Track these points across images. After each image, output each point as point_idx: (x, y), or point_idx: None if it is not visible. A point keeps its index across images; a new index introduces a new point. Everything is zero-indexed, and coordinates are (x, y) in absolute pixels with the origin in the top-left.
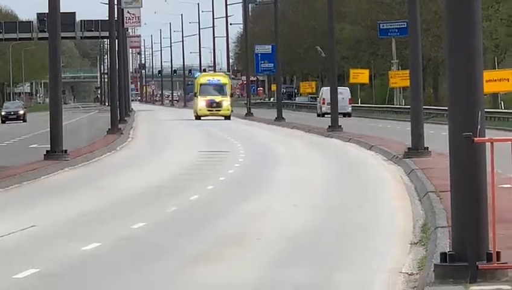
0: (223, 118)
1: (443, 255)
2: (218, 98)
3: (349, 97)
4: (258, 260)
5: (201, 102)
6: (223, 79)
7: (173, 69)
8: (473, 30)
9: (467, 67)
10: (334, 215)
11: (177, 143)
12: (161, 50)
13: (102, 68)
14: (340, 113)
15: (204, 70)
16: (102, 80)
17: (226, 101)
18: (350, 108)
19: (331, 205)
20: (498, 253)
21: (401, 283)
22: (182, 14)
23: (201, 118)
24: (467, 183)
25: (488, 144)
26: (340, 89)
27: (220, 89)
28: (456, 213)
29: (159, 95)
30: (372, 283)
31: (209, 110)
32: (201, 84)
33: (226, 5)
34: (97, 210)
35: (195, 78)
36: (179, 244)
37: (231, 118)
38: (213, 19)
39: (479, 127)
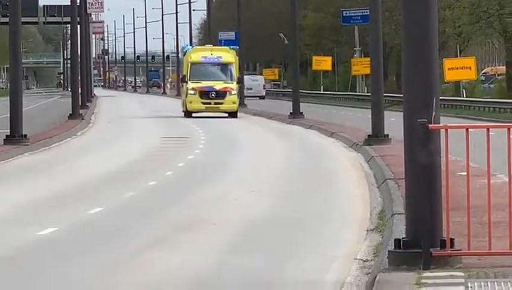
0: (225, 114)
1: (397, 242)
2: (219, 85)
3: (263, 84)
4: (213, 246)
5: (192, 91)
6: (227, 56)
7: (136, 55)
8: (428, 17)
9: (422, 54)
10: (292, 202)
11: (138, 129)
12: (124, 36)
13: (65, 54)
14: (256, 96)
15: (168, 58)
16: (66, 65)
17: (231, 90)
18: (264, 92)
19: (289, 191)
20: (452, 240)
21: (356, 269)
22: (145, 0)
23: (194, 114)
24: (422, 170)
25: (442, 131)
26: (255, 77)
27: (221, 70)
28: (410, 200)
29: (122, 81)
30: (327, 269)
31: (205, 104)
32: (192, 64)
33: None
34: (55, 195)
35: (185, 53)
36: (135, 229)
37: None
38: (176, 4)
39: (434, 113)
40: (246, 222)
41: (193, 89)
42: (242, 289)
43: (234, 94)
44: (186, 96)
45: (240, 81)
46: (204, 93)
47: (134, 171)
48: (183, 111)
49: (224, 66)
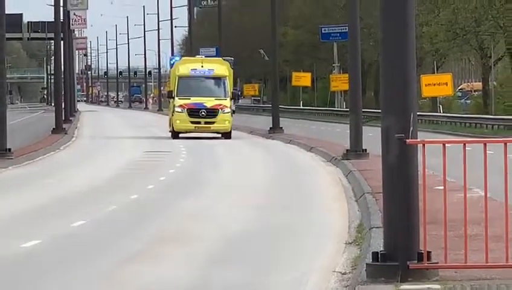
0: (218, 135)
1: (375, 255)
2: (210, 102)
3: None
4: (193, 260)
5: (179, 108)
6: (220, 68)
7: (119, 70)
8: (406, 34)
9: (399, 71)
10: (272, 216)
11: (120, 143)
12: (107, 52)
13: (49, 69)
14: None
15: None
16: (49, 80)
17: (224, 108)
18: (234, 107)
19: (269, 205)
20: (429, 253)
21: (334, 281)
22: (127, 17)
23: (181, 135)
24: (399, 184)
25: (420, 146)
26: None
27: (213, 85)
28: (388, 214)
29: (104, 96)
30: (306, 281)
31: (194, 123)
32: (180, 77)
33: (171, 7)
34: (39, 208)
35: (172, 64)
36: (116, 242)
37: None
38: (158, 21)
39: (411, 129)
40: (226, 235)
41: (180, 106)
42: None
43: (227, 112)
44: (172, 115)
45: (234, 97)
46: (194, 111)
47: (116, 185)
48: (169, 131)
49: (216, 80)
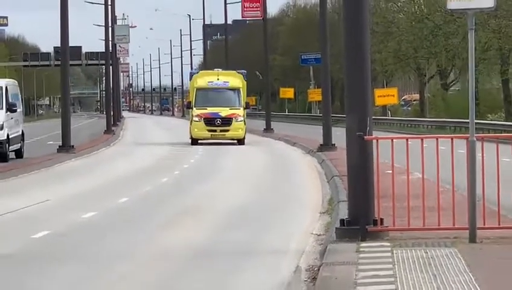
0: (234, 141)
1: (342, 221)
2: (225, 112)
3: None
4: (206, 226)
5: (197, 118)
6: (234, 80)
7: (152, 87)
8: (363, 60)
9: (359, 86)
10: (265, 193)
11: (153, 140)
12: (144, 73)
13: (101, 86)
14: None
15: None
16: (101, 95)
17: (237, 117)
18: None
19: (262, 185)
20: (382, 220)
21: (312, 241)
22: (158, 48)
23: (199, 141)
24: (359, 169)
25: (374, 141)
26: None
27: (228, 95)
28: (351, 191)
29: (142, 106)
30: (291, 240)
31: (210, 131)
32: (198, 89)
33: (191, 41)
34: (94, 189)
35: (191, 77)
36: (151, 214)
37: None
38: (181, 51)
39: (368, 128)
40: (230, 208)
41: (198, 115)
42: (229, 257)
43: (241, 121)
44: (191, 124)
45: (247, 107)
46: (210, 120)
47: (152, 171)
48: (190, 138)
49: (231, 91)
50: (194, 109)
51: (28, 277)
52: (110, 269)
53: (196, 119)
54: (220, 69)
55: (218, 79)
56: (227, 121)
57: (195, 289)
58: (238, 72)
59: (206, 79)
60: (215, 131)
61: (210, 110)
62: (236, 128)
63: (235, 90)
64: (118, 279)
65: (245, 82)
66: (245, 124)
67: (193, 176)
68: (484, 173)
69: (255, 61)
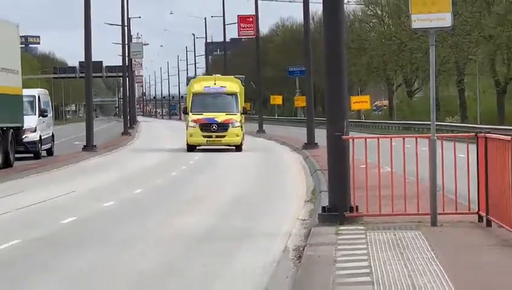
0: (232, 148)
1: (323, 208)
2: (221, 117)
3: None
4: (210, 212)
5: (193, 123)
6: (231, 85)
7: (163, 95)
8: (340, 72)
9: (337, 93)
10: (258, 185)
11: (163, 140)
12: (155, 84)
13: (119, 95)
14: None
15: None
16: (119, 102)
17: (234, 122)
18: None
19: (256, 177)
20: (357, 207)
21: (298, 224)
22: (168, 62)
23: (196, 148)
24: (338, 164)
25: (350, 140)
26: None
27: (225, 100)
28: (331, 183)
29: (154, 111)
30: (282, 223)
31: (206, 137)
32: (194, 94)
33: (195, 56)
34: (113, 181)
35: (188, 82)
36: (163, 203)
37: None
38: (187, 65)
39: (345, 130)
40: (230, 198)
41: (193, 121)
42: (230, 237)
43: (237, 126)
44: (187, 129)
45: (245, 112)
46: (205, 126)
47: (162, 166)
48: (185, 144)
49: (228, 96)
50: (190, 114)
51: (58, 256)
52: (128, 248)
53: (192, 124)
54: (219, 74)
55: (215, 84)
56: (223, 127)
57: (201, 265)
58: (236, 77)
59: (203, 84)
60: (210, 137)
61: (206, 115)
62: (233, 134)
63: (232, 95)
64: (136, 256)
65: (243, 87)
66: (242, 129)
67: (197, 170)
68: (443, 167)
69: (249, 73)
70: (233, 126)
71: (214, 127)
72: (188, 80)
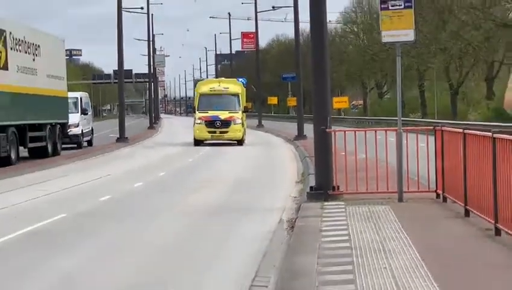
0: (235, 142)
1: (311, 188)
2: (224, 115)
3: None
4: (220, 191)
5: (199, 120)
6: (233, 87)
7: (181, 96)
8: (325, 76)
9: (322, 95)
10: (257, 169)
11: (181, 133)
12: (175, 87)
13: (145, 96)
14: None
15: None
16: (146, 102)
17: (235, 119)
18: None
19: (255, 163)
20: (338, 186)
21: (291, 201)
22: (185, 70)
23: (202, 143)
24: (323, 152)
25: (333, 133)
26: None
27: (228, 101)
28: (317, 166)
29: (173, 110)
30: (277, 200)
31: (210, 133)
32: (201, 94)
33: (207, 66)
34: (142, 166)
35: (195, 84)
36: (182, 183)
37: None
38: (200, 72)
39: (328, 124)
40: (236, 180)
41: (200, 118)
42: (233, 211)
43: (239, 123)
44: (194, 126)
45: (246, 110)
46: (210, 123)
47: (180, 154)
48: (193, 139)
49: (230, 96)
50: (197, 112)
51: (97, 226)
52: (154, 219)
53: (198, 121)
54: (224, 78)
55: (219, 85)
56: (226, 123)
57: (212, 232)
58: (238, 80)
59: (209, 86)
60: (214, 132)
61: (211, 113)
62: (235, 130)
63: (234, 95)
64: (161, 226)
65: (244, 89)
66: (243, 126)
67: (208, 157)
68: (408, 154)
69: (250, 78)
70: (235, 123)
71: (218, 123)
72: (195, 82)
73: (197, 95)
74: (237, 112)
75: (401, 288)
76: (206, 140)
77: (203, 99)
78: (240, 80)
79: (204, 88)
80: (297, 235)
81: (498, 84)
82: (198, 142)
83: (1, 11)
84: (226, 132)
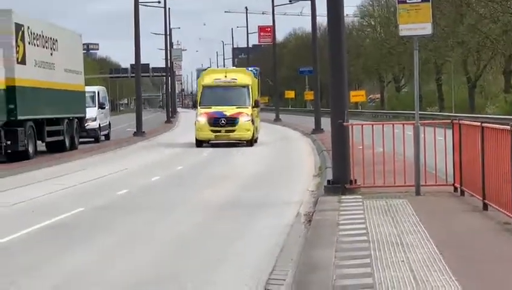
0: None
1: (328, 181)
2: (230, 110)
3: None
4: (232, 186)
5: (201, 118)
6: (242, 77)
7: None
8: (342, 70)
9: (339, 88)
10: (274, 162)
11: None
12: (192, 81)
13: (162, 90)
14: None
15: None
16: (163, 96)
17: (244, 116)
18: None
19: (272, 156)
20: (355, 180)
21: (308, 195)
22: (202, 64)
23: (205, 144)
24: (340, 146)
25: (350, 127)
26: None
27: (235, 94)
28: (334, 160)
29: (191, 104)
30: (294, 194)
31: (214, 132)
32: (204, 87)
33: (224, 60)
34: (159, 161)
35: (198, 75)
36: (196, 178)
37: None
38: (217, 66)
39: (345, 118)
40: (249, 174)
41: (202, 115)
42: (250, 205)
43: (247, 120)
44: (195, 124)
45: (258, 105)
46: (214, 120)
47: (194, 150)
48: (194, 139)
49: (239, 89)
50: (199, 108)
51: (114, 219)
52: (171, 213)
53: (200, 119)
54: (232, 67)
55: (225, 76)
56: (232, 121)
57: (227, 226)
58: (248, 70)
59: (213, 76)
60: (219, 132)
61: (215, 109)
62: (243, 129)
63: (244, 87)
64: (178, 220)
65: (256, 79)
66: (254, 123)
67: (224, 151)
68: (425, 147)
69: (267, 72)
70: (243, 120)
71: (223, 121)
72: (198, 72)
73: (200, 87)
74: (247, 107)
75: (419, 281)
76: (209, 140)
77: (206, 93)
78: (250, 68)
79: (207, 79)
80: (315, 228)
81: None
82: (200, 143)
83: (21, 9)
84: (233, 130)
